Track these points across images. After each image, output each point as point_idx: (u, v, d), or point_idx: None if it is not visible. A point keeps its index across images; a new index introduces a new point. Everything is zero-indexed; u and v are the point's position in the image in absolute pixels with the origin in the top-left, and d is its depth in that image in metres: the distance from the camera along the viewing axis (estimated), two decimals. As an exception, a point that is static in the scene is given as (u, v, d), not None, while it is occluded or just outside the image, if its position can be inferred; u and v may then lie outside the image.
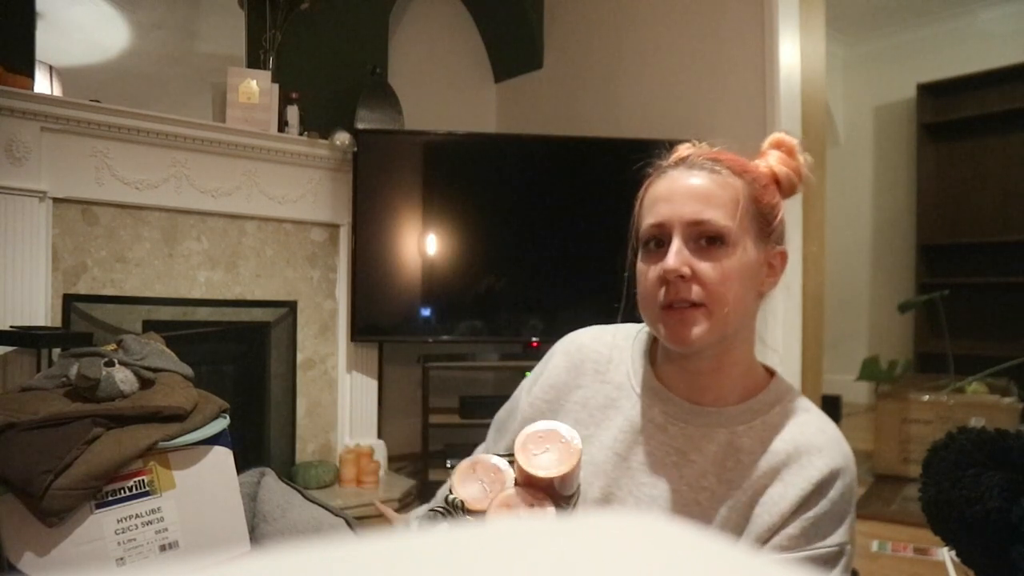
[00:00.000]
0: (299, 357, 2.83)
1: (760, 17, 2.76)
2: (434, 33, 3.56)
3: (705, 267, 0.73)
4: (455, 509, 0.70)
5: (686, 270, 0.73)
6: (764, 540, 0.72)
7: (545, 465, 0.68)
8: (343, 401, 2.92)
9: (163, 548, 1.51)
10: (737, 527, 0.74)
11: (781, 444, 0.75)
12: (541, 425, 0.71)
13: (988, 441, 1.50)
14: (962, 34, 4.36)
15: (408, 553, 0.26)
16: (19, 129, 2.14)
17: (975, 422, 2.75)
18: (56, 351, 1.97)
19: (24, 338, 2.00)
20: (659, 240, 0.76)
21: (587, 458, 0.81)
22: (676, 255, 0.73)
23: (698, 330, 0.73)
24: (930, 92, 4.40)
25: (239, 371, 2.76)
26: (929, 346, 4.24)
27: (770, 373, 0.84)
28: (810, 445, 0.74)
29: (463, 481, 0.71)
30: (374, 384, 2.98)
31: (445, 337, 2.87)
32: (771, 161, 0.80)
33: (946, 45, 4.42)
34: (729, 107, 2.86)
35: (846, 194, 4.67)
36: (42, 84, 2.27)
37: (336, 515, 2.08)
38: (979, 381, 3.09)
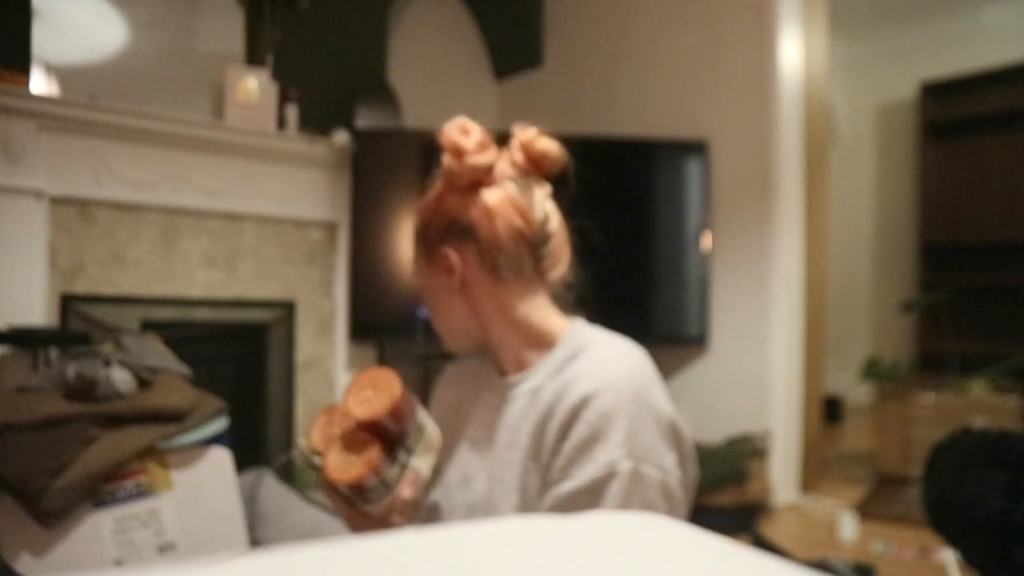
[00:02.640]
0: (298, 357, 2.82)
1: (762, 15, 2.75)
2: (434, 31, 3.55)
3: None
4: (302, 455, 0.75)
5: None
6: (545, 479, 0.74)
7: (363, 402, 0.72)
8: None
9: (161, 549, 1.50)
10: (538, 470, 0.76)
11: (561, 382, 0.77)
12: (374, 370, 0.75)
13: (990, 442, 1.49)
14: (965, 32, 4.35)
15: (408, 553, 0.25)
16: (16, 128, 2.13)
17: (978, 423, 2.74)
18: (53, 351, 1.96)
19: (21, 338, 1.99)
20: None
21: (455, 450, 0.88)
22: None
23: (444, 342, 0.91)
24: (933, 91, 4.39)
25: (237, 371, 2.75)
26: (931, 346, 4.23)
27: (566, 324, 0.87)
28: (575, 378, 0.76)
29: (317, 427, 0.75)
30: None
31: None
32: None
33: (949, 43, 4.41)
34: (730, 105, 2.85)
35: (848, 193, 4.66)
36: (39, 82, 2.26)
37: (334, 516, 2.07)
38: (982, 381, 3.08)
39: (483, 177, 0.84)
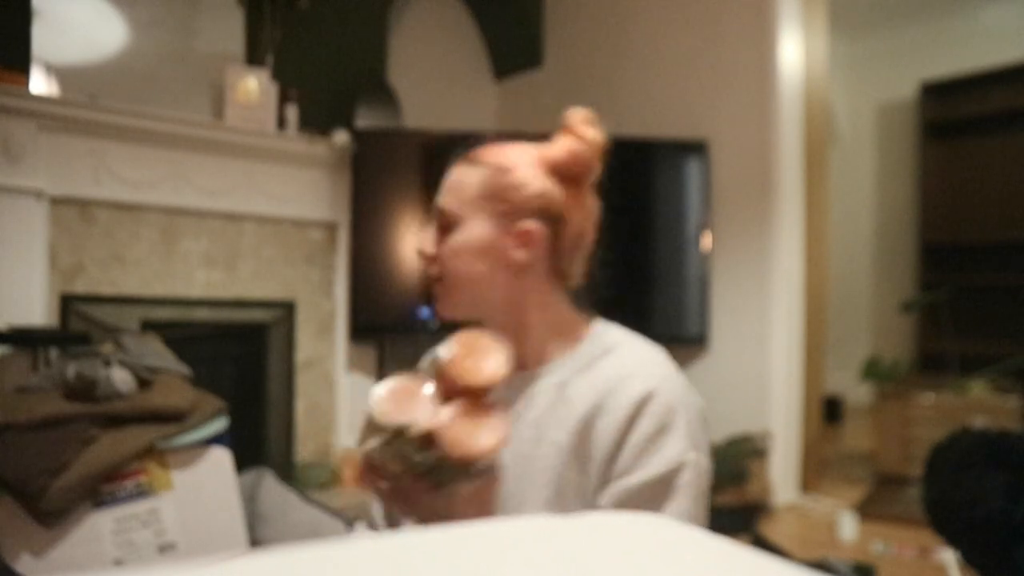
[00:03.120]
0: (298, 357, 2.82)
1: (762, 15, 2.75)
2: (434, 31, 3.55)
3: (440, 246, 0.85)
4: (400, 437, 0.66)
5: (427, 249, 0.86)
6: (604, 474, 0.75)
7: (471, 368, 0.67)
8: (342, 401, 2.91)
9: (161, 549, 1.50)
10: (582, 466, 0.77)
11: (602, 379, 0.79)
12: (466, 334, 0.71)
13: (990, 442, 1.49)
14: (965, 32, 4.35)
15: (408, 553, 0.25)
16: (16, 128, 2.13)
17: (978, 423, 2.74)
18: (53, 351, 1.95)
19: (21, 338, 1.99)
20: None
21: None
22: (423, 237, 0.87)
23: (444, 303, 0.87)
24: (933, 90, 4.39)
25: (237, 371, 2.75)
26: (931, 346, 4.23)
27: (586, 320, 0.89)
28: (627, 373, 0.78)
29: (397, 410, 0.67)
30: (373, 384, 2.96)
31: (445, 336, 2.86)
32: (550, 145, 0.85)
33: (949, 43, 4.41)
34: (731, 105, 2.85)
35: (848, 193, 4.66)
36: (39, 82, 2.26)
37: (335, 516, 2.07)
38: (982, 381, 3.08)
39: (590, 177, 0.85)
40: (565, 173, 0.83)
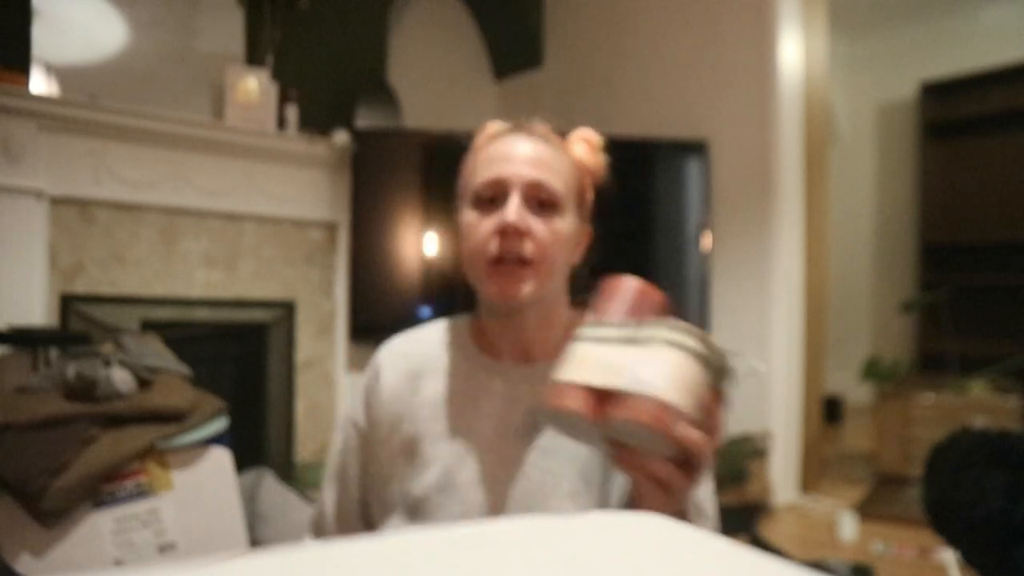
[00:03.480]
0: (298, 357, 2.82)
1: (762, 15, 2.75)
2: (434, 31, 3.55)
3: (539, 226, 0.77)
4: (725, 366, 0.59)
5: (524, 224, 0.76)
6: None
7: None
8: (342, 401, 2.91)
9: (161, 549, 1.50)
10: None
11: None
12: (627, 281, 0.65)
13: (990, 442, 1.49)
14: (965, 32, 4.35)
15: (408, 553, 0.25)
16: (16, 128, 2.13)
17: (978, 423, 2.74)
18: (53, 351, 1.95)
19: (21, 338, 1.99)
20: (493, 198, 0.79)
21: (471, 445, 0.80)
22: (517, 209, 0.76)
23: (526, 287, 0.77)
24: (933, 91, 4.39)
25: (237, 371, 2.75)
26: (931, 346, 4.23)
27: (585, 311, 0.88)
28: None
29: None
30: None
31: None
32: (579, 151, 0.86)
33: (949, 43, 4.41)
34: (731, 105, 2.85)
35: (848, 193, 4.66)
36: (39, 82, 2.26)
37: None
38: (982, 381, 3.08)
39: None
40: (595, 178, 0.86)
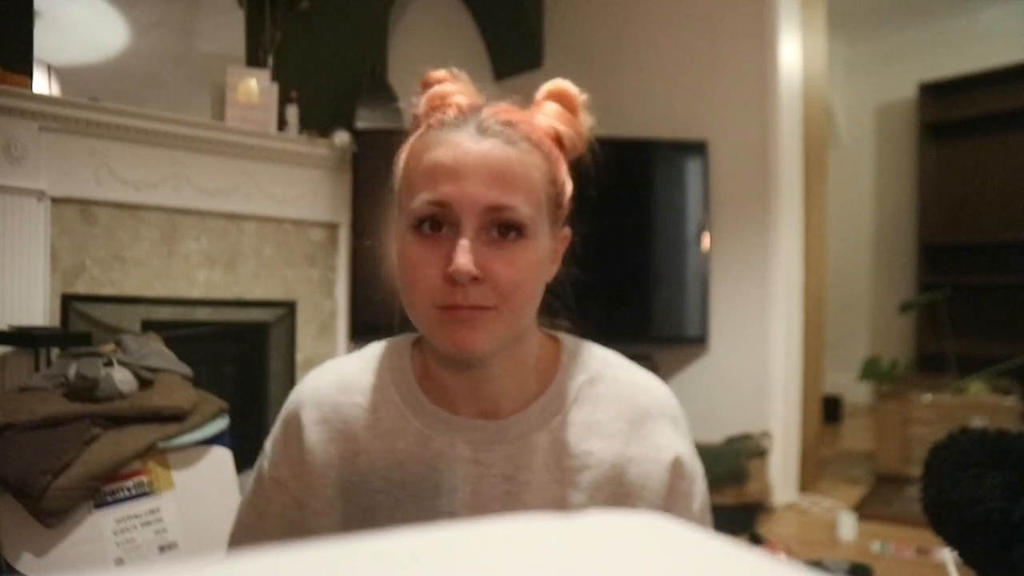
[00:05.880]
0: (298, 357, 2.82)
1: (761, 16, 2.76)
2: (434, 32, 3.56)
3: (500, 266, 0.59)
4: None
5: (480, 271, 0.58)
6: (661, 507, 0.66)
7: None
8: (343, 401, 2.92)
9: (162, 549, 1.50)
10: (608, 499, 0.65)
11: (613, 419, 0.66)
12: None
13: (989, 441, 1.50)
14: (964, 33, 4.36)
15: (408, 553, 0.25)
16: (17, 128, 2.13)
17: (976, 422, 2.75)
18: (54, 351, 1.96)
19: (22, 338, 2.00)
20: (437, 222, 0.60)
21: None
22: (468, 252, 0.57)
23: (487, 336, 0.59)
24: (931, 91, 4.40)
25: (238, 371, 2.75)
26: (930, 346, 4.24)
27: (554, 340, 0.72)
28: (642, 410, 0.67)
29: None
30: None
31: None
32: (549, 116, 0.66)
33: (948, 44, 4.41)
34: (730, 106, 2.86)
35: (847, 194, 4.67)
36: (40, 83, 2.26)
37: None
38: (980, 381, 3.08)
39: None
40: (566, 158, 0.67)
